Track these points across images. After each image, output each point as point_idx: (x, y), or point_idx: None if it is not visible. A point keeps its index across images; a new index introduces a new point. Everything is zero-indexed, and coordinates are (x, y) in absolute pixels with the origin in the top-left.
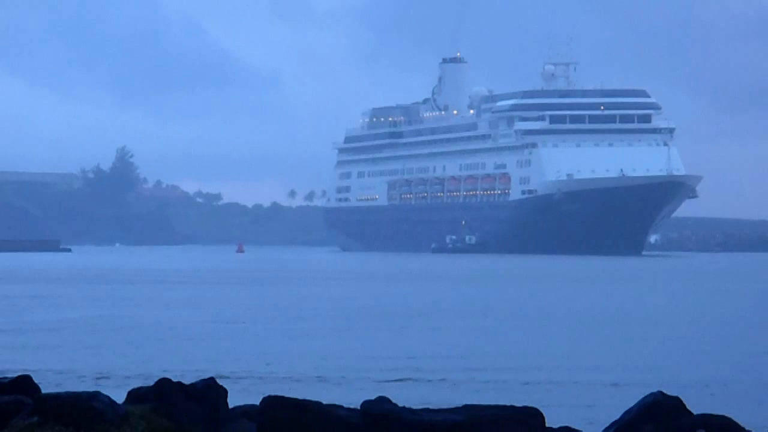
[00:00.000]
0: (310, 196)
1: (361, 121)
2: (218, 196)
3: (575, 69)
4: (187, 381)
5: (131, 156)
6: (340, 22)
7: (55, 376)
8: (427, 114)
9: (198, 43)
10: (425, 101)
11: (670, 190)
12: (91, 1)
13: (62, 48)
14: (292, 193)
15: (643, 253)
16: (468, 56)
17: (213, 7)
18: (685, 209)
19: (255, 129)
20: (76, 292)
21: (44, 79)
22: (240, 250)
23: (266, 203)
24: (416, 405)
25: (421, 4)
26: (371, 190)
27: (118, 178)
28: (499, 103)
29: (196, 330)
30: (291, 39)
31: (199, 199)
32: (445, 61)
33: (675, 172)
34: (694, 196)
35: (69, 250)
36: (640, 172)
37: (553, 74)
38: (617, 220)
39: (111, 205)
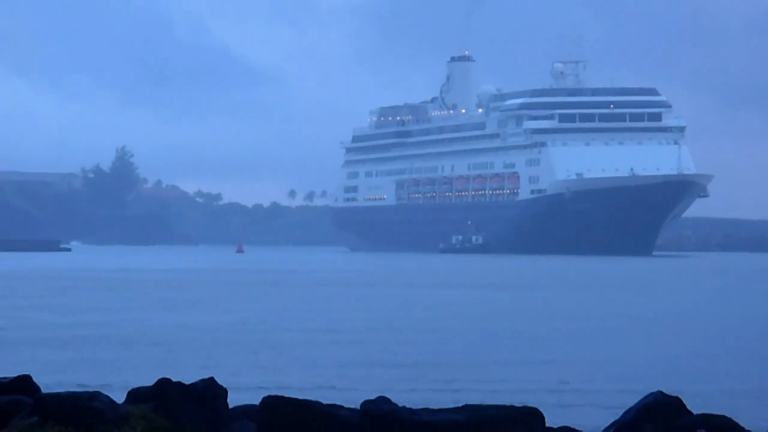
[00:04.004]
0: (310, 196)
1: (368, 120)
2: (218, 196)
3: (584, 67)
4: (187, 381)
5: (131, 156)
6: (344, 21)
7: (56, 376)
8: (435, 113)
9: (200, 42)
10: (433, 100)
11: (681, 189)
12: (92, 1)
13: (63, 48)
14: (292, 193)
15: (654, 253)
16: (476, 55)
17: (216, 5)
18: (687, 209)
19: (255, 129)
20: (75, 293)
21: (45, 78)
22: (240, 250)
23: (266, 203)
24: (416, 405)
25: (427, 2)
26: (379, 189)
27: (118, 178)
28: (507, 102)
29: (198, 331)
30: (294, 38)
31: (199, 199)
32: (453, 59)
33: (686, 171)
34: (705, 195)
35: (69, 250)
36: (650, 171)
37: (562, 72)
38: (627, 219)
39: (111, 205)
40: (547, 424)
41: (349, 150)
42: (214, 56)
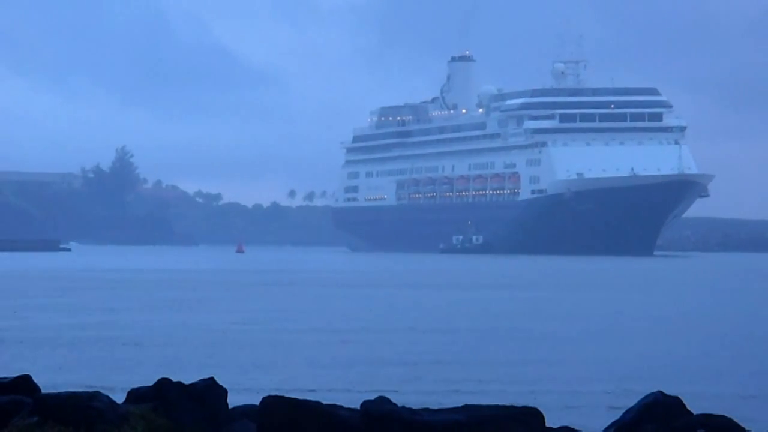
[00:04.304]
0: (309, 196)
1: (369, 120)
2: (218, 196)
3: (585, 67)
4: (187, 381)
5: (131, 156)
6: (345, 21)
7: (55, 376)
8: (435, 113)
9: (200, 42)
10: (434, 100)
11: (681, 189)
12: (92, 1)
13: (63, 48)
14: (292, 193)
15: (655, 253)
16: (477, 54)
17: (216, 5)
18: (687, 209)
19: (255, 129)
20: (75, 293)
21: (45, 78)
22: (240, 250)
23: (266, 203)
24: (416, 405)
25: (428, 2)
26: (380, 189)
27: (118, 178)
28: (508, 102)
29: (198, 331)
30: (294, 37)
31: (199, 199)
32: (453, 59)
33: (686, 171)
34: (706, 195)
35: (69, 250)
36: (651, 171)
37: (562, 72)
38: (628, 219)
39: (111, 205)
40: (547, 424)
41: (349, 150)
42: (214, 56)
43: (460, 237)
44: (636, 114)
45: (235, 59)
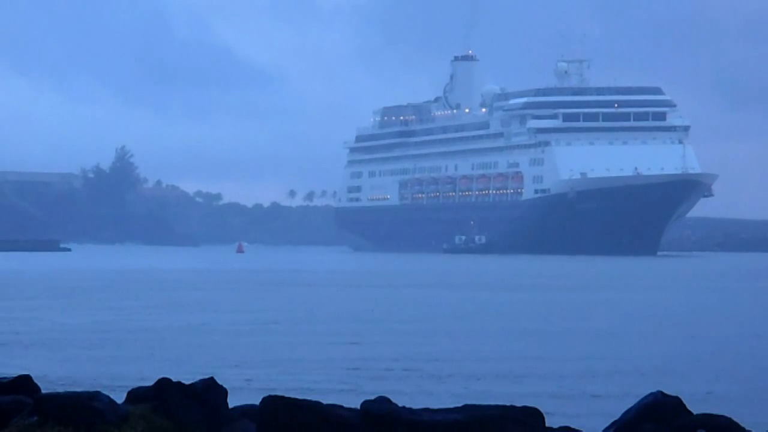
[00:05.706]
0: (310, 196)
1: (372, 120)
2: (218, 196)
3: (588, 66)
4: (187, 381)
5: (131, 156)
6: (346, 20)
7: (55, 376)
8: (438, 113)
9: (201, 42)
10: (437, 100)
11: (685, 188)
12: (93, 1)
13: (63, 48)
14: (292, 193)
15: (658, 253)
16: (480, 54)
17: (217, 5)
18: (691, 209)
19: (255, 129)
20: (75, 293)
21: (45, 78)
22: (240, 251)
23: (266, 203)
24: (416, 405)
25: (430, 1)
26: (382, 189)
27: (118, 178)
28: (511, 101)
29: (198, 331)
30: (296, 37)
31: (199, 199)
32: (456, 59)
33: (690, 171)
34: (710, 195)
35: (69, 250)
36: (654, 170)
37: (566, 72)
38: (632, 219)
39: (111, 205)
40: (547, 424)
41: (352, 150)
42: (216, 56)
43: (463, 237)
44: (639, 113)
45: (236, 59)
